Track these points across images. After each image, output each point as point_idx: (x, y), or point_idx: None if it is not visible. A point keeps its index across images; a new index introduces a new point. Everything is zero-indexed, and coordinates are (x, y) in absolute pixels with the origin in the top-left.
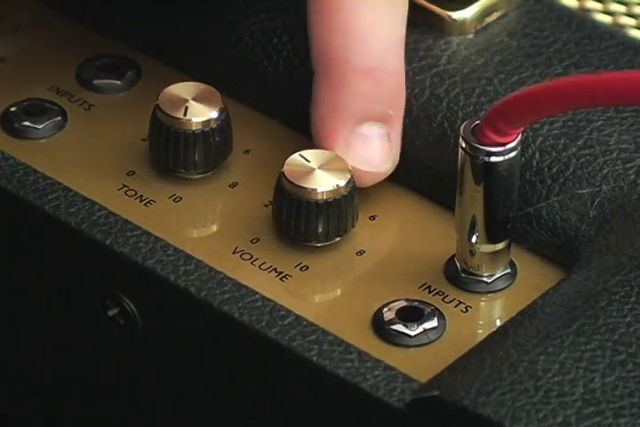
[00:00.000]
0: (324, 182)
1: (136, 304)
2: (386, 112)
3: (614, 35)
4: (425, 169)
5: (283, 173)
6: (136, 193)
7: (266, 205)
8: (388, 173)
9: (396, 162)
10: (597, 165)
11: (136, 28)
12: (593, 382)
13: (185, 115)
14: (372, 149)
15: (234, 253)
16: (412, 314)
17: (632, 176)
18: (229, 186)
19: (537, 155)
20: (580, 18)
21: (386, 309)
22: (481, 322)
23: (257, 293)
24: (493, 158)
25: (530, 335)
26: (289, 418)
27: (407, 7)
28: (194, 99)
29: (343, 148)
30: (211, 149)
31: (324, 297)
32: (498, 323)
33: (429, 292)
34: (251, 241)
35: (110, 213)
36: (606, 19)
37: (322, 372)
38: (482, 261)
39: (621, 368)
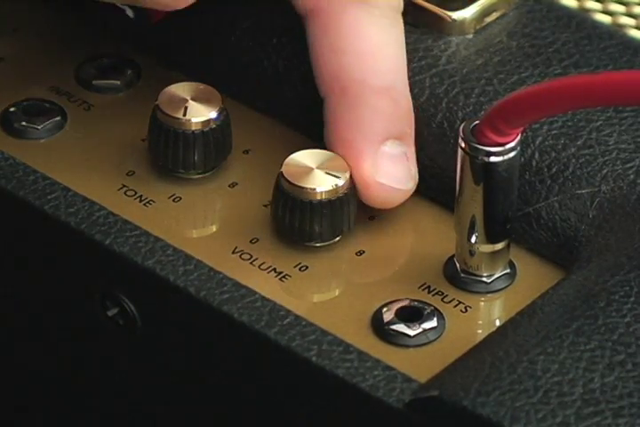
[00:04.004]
0: (323, 182)
1: (135, 304)
2: (404, 130)
3: (614, 35)
4: (424, 169)
5: (281, 173)
6: (135, 193)
7: (265, 205)
8: (410, 193)
9: (417, 181)
10: (597, 165)
11: (136, 28)
12: (592, 383)
13: (184, 115)
14: (397, 166)
15: (233, 253)
16: (411, 314)
17: (631, 176)
18: (229, 186)
19: (536, 155)
20: (580, 18)
21: (385, 309)
22: (480, 322)
23: (256, 293)
24: (493, 158)
25: (529, 335)
26: (288, 418)
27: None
28: (193, 99)
29: (371, 166)
30: (210, 149)
31: (323, 297)
32: (497, 323)
33: (429, 292)
34: (250, 241)
35: (110, 213)
36: (606, 19)
37: (321, 372)
38: (481, 262)
39: (621, 368)
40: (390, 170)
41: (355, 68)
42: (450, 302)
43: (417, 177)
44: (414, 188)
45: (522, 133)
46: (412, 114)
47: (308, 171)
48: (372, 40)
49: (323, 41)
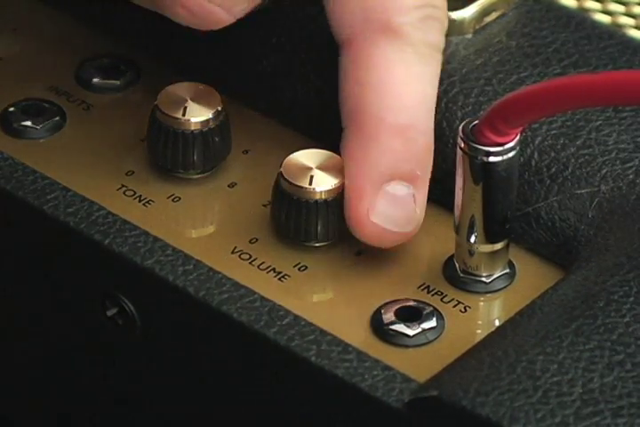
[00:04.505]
0: (322, 182)
1: (135, 304)
2: (414, 172)
3: (613, 34)
4: None
5: (281, 172)
6: (135, 193)
7: (264, 205)
8: (410, 236)
9: (419, 225)
10: (596, 164)
11: (135, 28)
12: (591, 383)
13: (184, 115)
14: (396, 208)
15: (232, 253)
16: (410, 314)
17: (631, 176)
18: (228, 186)
19: (536, 155)
20: (579, 18)
21: (384, 309)
22: (480, 322)
23: (255, 293)
24: (492, 158)
25: (528, 335)
26: (287, 418)
27: (440, 67)
28: (192, 99)
29: (367, 205)
30: (209, 150)
31: (322, 297)
32: (496, 323)
33: (428, 292)
34: (249, 241)
35: (109, 213)
36: (605, 18)
37: (320, 372)
38: (480, 261)
39: (620, 368)
40: (387, 211)
41: (375, 103)
42: (449, 302)
43: (421, 220)
44: (415, 231)
45: (521, 133)
46: (431, 155)
47: (307, 171)
48: (399, 76)
49: (351, 72)
